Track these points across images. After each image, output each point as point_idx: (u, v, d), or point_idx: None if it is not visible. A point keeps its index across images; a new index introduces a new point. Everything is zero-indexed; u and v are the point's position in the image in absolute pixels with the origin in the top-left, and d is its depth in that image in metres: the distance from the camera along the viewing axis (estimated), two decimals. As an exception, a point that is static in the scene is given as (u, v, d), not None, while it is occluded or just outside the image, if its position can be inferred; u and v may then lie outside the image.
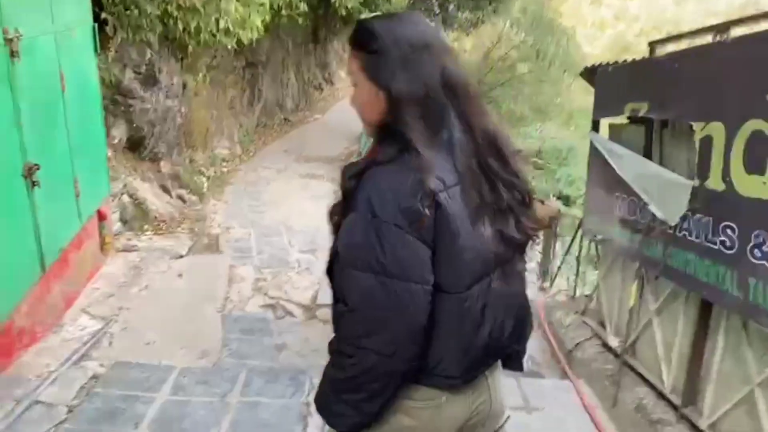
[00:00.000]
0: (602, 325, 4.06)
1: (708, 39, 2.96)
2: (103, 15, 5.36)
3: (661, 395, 3.17)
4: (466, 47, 17.99)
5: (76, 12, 4.27)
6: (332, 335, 1.32)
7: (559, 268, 5.27)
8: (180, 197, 7.19)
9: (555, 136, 12.49)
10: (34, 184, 3.48)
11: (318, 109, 16.40)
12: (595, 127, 3.99)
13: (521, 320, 1.44)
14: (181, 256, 5.55)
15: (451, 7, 12.75)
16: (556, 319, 4.55)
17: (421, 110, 1.25)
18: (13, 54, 3.20)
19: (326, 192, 9.03)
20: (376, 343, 1.21)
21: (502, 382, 1.53)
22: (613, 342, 3.79)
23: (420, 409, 1.33)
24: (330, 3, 9.35)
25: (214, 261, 5.68)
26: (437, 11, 13.14)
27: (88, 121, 4.57)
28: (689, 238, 2.80)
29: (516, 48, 15.92)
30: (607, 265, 4.00)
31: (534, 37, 15.72)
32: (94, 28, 4.59)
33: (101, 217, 4.81)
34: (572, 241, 5.06)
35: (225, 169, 9.63)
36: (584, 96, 16.21)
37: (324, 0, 10.82)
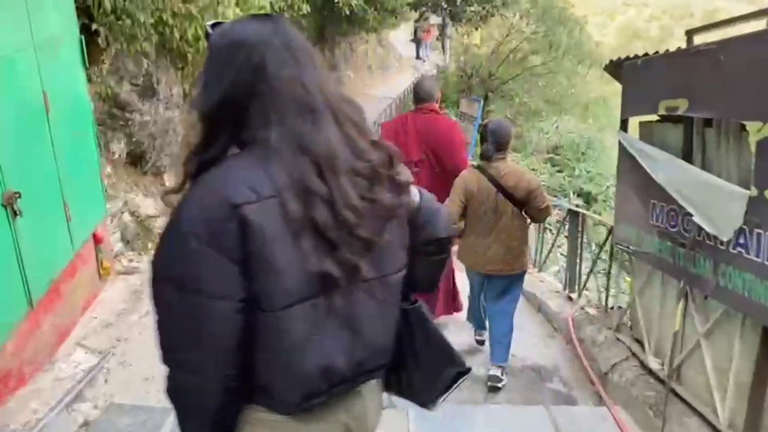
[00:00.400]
0: (639, 343, 3.70)
1: (755, 26, 2.59)
2: (94, 26, 5.09)
3: (715, 430, 2.81)
4: (476, 41, 17.60)
5: (59, 24, 3.99)
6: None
7: (587, 276, 4.89)
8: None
9: (572, 130, 12.06)
10: (15, 213, 3.22)
11: (327, 111, 16.12)
12: (624, 126, 3.62)
13: (378, 345, 1.33)
14: (186, 277, 5.26)
15: (458, 1, 12.37)
16: (587, 336, 4.20)
17: (226, 116, 1.21)
18: (-18, 75, 2.93)
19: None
20: (180, 357, 1.19)
21: (380, 402, 1.46)
22: (654, 364, 3.43)
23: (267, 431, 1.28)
24: (333, 3, 9.02)
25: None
26: (444, 6, 12.78)
27: (79, 141, 4.30)
28: (747, 255, 2.44)
29: (527, 40, 15.49)
30: (643, 279, 3.63)
31: (545, 28, 15.29)
32: (81, 40, 4.31)
33: (97, 240, 4.54)
34: (601, 248, 4.70)
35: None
36: (600, 86, 15.78)
37: (328, 1, 10.55)
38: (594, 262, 4.80)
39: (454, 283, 4.58)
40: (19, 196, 3.23)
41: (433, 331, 1.48)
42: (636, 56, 3.48)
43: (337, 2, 8.71)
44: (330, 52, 18.22)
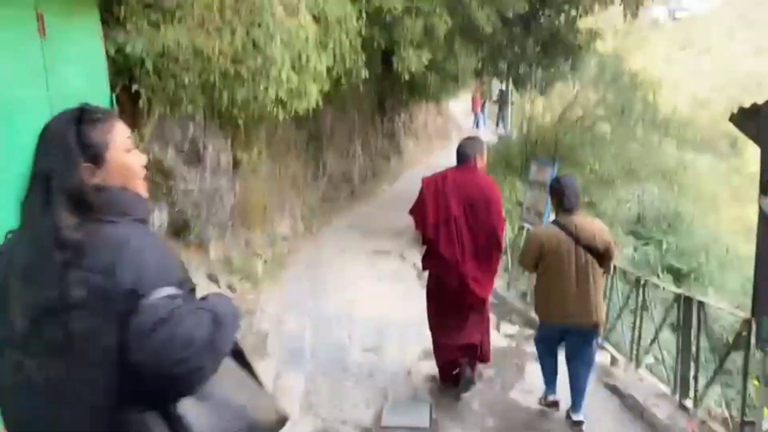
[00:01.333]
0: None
1: None
2: (135, 87, 4.74)
3: None
4: (539, 108, 17.06)
5: (82, 80, 3.58)
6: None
7: (709, 381, 3.90)
8: (230, 286, 6.37)
9: (656, 200, 11.06)
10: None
11: (385, 179, 15.73)
12: (765, 189, 2.79)
13: None
14: (220, 364, 4.61)
15: (521, 66, 11.86)
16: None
17: None
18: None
19: (394, 271, 8.02)
20: None
21: None
22: None
23: None
24: (393, 68, 8.65)
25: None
26: (505, 71, 12.26)
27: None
28: None
29: (596, 106, 14.78)
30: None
31: (614, 94, 14.58)
32: (112, 100, 3.90)
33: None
34: (730, 347, 3.75)
35: (285, 249, 8.84)
36: (679, 154, 14.78)
37: (388, 64, 10.24)
38: (720, 365, 3.80)
39: (488, 327, 4.58)
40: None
41: None
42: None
43: (396, 67, 8.31)
44: (390, 123, 18.06)
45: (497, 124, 24.48)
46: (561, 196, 3.81)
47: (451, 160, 4.42)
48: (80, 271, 1.31)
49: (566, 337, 3.93)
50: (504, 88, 22.90)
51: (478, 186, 4.23)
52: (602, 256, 3.75)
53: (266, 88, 6.12)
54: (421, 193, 4.35)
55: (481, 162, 4.32)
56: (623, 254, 9.35)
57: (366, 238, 9.88)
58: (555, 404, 4.17)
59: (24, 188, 1.44)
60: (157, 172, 5.50)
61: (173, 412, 1.32)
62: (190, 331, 1.29)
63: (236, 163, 7.20)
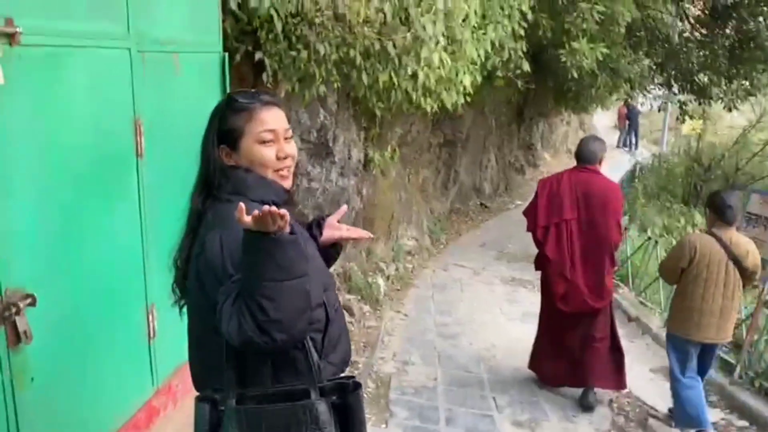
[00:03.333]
0: None
1: None
2: (258, 55, 3.76)
3: None
4: (693, 127, 14.68)
5: (183, 26, 2.57)
6: None
7: None
8: (347, 309, 5.27)
9: None
10: (21, 336, 1.67)
11: (519, 194, 14.15)
12: None
13: None
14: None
15: (705, 74, 9.86)
16: None
17: None
18: None
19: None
20: None
21: None
22: None
23: None
24: (559, 63, 7.20)
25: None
26: (680, 79, 10.28)
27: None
28: None
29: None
30: None
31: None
32: (224, 60, 2.88)
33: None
34: None
35: (409, 265, 7.68)
36: None
37: (537, 63, 8.81)
38: None
39: (619, 345, 4.30)
40: (34, 303, 1.69)
41: None
42: None
43: (564, 61, 6.87)
44: (527, 132, 16.49)
45: (623, 143, 21.97)
46: (724, 208, 3.66)
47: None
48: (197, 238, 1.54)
49: (699, 352, 3.79)
50: (632, 100, 20.29)
51: (599, 188, 4.10)
52: (747, 276, 3.70)
53: (414, 73, 4.97)
54: (536, 194, 4.29)
55: (604, 164, 4.23)
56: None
57: (501, 262, 8.48)
58: None
59: None
60: (277, 164, 4.52)
61: None
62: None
63: (367, 162, 6.14)
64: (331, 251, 1.81)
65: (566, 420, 4.07)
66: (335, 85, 4.52)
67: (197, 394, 1.54)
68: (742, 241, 3.70)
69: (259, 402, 1.44)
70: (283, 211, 1.30)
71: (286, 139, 1.59)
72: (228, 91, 2.94)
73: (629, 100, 20.24)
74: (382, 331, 5.26)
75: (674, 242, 8.21)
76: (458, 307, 6.39)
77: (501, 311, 6.36)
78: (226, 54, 2.89)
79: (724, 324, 3.65)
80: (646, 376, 4.94)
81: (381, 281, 6.30)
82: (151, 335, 2.40)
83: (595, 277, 4.04)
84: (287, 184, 1.60)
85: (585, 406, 4.15)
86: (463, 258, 8.49)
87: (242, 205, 1.30)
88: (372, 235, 1.91)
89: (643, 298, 6.58)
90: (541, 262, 4.26)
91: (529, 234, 4.28)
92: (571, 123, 19.47)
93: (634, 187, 12.08)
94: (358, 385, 1.54)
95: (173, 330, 2.54)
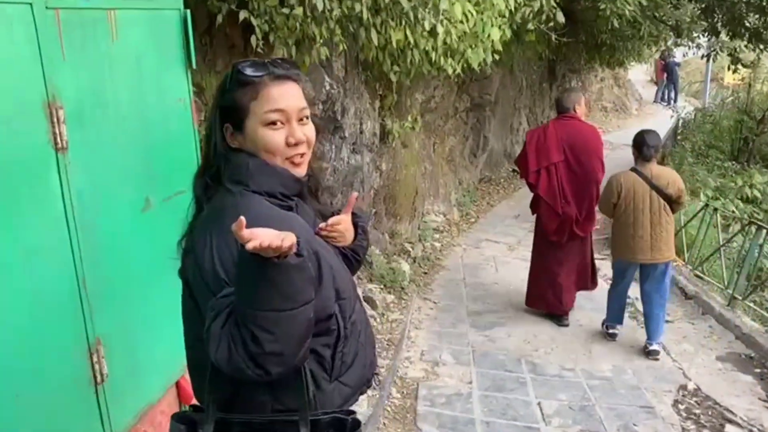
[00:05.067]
0: None
1: None
2: (243, 14, 3.13)
3: None
4: (734, 76, 13.51)
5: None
6: None
7: None
8: (368, 300, 4.71)
9: None
10: None
11: (553, 158, 13.31)
12: None
13: None
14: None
15: (756, 17, 8.81)
16: None
17: None
18: None
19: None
20: None
21: None
22: None
23: None
24: (597, 11, 6.36)
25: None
26: (735, 25, 9.24)
27: (153, 217, 2.22)
28: None
29: None
30: None
31: None
32: (185, 18, 2.27)
33: (184, 394, 2.40)
34: None
35: (437, 244, 7.07)
36: None
37: (574, 14, 7.95)
38: None
39: (592, 259, 4.98)
40: None
41: None
42: None
43: (603, 9, 6.05)
44: (559, 90, 15.51)
45: (661, 97, 20.64)
46: (641, 146, 4.18)
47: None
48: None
49: (641, 271, 4.30)
50: (674, 50, 18.83)
51: (580, 132, 4.66)
52: (674, 202, 4.18)
53: (433, 29, 4.27)
54: (524, 143, 4.91)
55: (580, 110, 4.73)
56: None
57: (538, 234, 7.79)
58: (613, 336, 4.59)
59: None
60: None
61: None
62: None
63: (384, 135, 5.50)
64: (348, 252, 1.55)
65: (625, 430, 3.47)
66: (341, 48, 3.87)
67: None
68: (663, 173, 4.24)
69: None
70: (291, 239, 1.09)
71: (300, 120, 1.35)
72: (193, 59, 2.34)
73: (672, 49, 19.01)
74: (407, 324, 4.69)
75: (733, 208, 7.43)
76: (493, 290, 5.77)
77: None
78: (188, 11, 2.27)
79: (656, 245, 4.16)
80: (713, 366, 4.29)
81: (406, 266, 5.71)
82: (98, 379, 1.85)
83: (585, 209, 4.63)
84: (299, 171, 1.38)
85: (563, 325, 4.84)
86: (496, 232, 7.83)
87: (242, 219, 1.05)
88: (357, 193, 1.76)
89: (700, 272, 5.87)
90: (536, 204, 4.84)
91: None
92: (606, 79, 18.32)
93: (681, 146, 11.14)
94: (357, 424, 1.35)
95: (133, 365, 2.01)
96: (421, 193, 7.05)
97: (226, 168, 1.33)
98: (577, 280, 4.88)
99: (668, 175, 4.22)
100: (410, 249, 6.33)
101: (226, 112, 1.34)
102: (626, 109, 18.66)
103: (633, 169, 4.24)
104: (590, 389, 3.89)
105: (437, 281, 5.95)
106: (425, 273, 6.10)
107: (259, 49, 3.34)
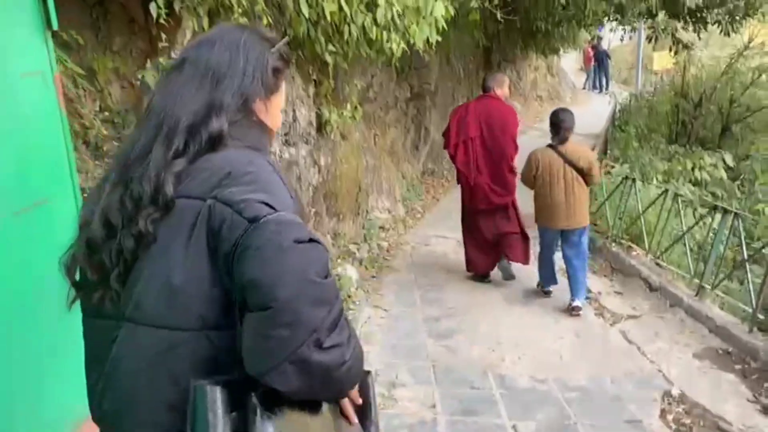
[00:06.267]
0: None
1: None
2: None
3: None
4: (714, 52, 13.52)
5: None
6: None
7: None
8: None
9: None
10: None
11: (494, 148, 13.05)
12: None
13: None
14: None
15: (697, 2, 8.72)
16: None
17: None
18: None
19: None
20: None
21: None
22: None
23: None
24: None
25: None
26: (664, 7, 9.17)
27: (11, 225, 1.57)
28: None
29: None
30: None
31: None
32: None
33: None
34: None
35: (384, 243, 6.54)
36: None
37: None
38: None
39: (524, 234, 5.27)
40: None
41: None
42: None
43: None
44: (496, 80, 15.29)
45: (591, 84, 21.08)
46: (558, 128, 4.64)
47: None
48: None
49: (562, 237, 4.78)
50: (602, 35, 19.30)
51: (497, 112, 5.09)
52: (586, 174, 4.62)
53: (372, 1, 3.72)
54: (449, 119, 5.29)
55: (501, 92, 5.17)
56: None
57: (488, 227, 7.38)
58: (548, 293, 5.06)
59: None
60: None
61: None
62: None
63: (321, 125, 4.90)
64: None
65: (614, 449, 3.04)
66: (264, 21, 3.26)
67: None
68: (577, 148, 4.73)
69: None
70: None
71: None
72: (53, 19, 1.69)
73: (601, 38, 19.11)
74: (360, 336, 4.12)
75: (685, 191, 7.25)
76: (447, 291, 5.29)
77: (498, 291, 5.29)
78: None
79: (571, 213, 4.61)
80: (692, 365, 3.96)
81: (353, 271, 5.14)
82: None
83: (497, 179, 5.07)
84: None
85: (508, 276, 5.33)
86: (445, 227, 7.35)
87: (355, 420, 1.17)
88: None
89: (662, 261, 5.58)
90: (458, 175, 5.31)
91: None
92: (540, 69, 18.31)
93: (625, 131, 11.04)
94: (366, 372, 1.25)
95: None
96: (364, 189, 6.49)
97: (251, 128, 1.21)
98: (497, 247, 5.25)
99: (580, 151, 4.73)
100: (355, 251, 5.76)
101: (263, 74, 1.21)
102: (560, 98, 18.72)
103: (549, 146, 4.70)
104: (567, 404, 3.44)
105: (387, 285, 5.41)
106: (373, 277, 5.55)
107: (161, 20, 2.70)
